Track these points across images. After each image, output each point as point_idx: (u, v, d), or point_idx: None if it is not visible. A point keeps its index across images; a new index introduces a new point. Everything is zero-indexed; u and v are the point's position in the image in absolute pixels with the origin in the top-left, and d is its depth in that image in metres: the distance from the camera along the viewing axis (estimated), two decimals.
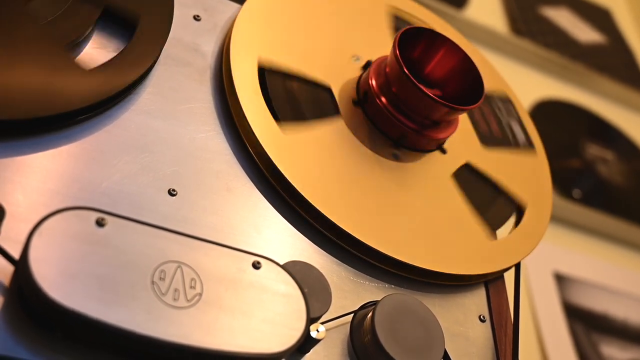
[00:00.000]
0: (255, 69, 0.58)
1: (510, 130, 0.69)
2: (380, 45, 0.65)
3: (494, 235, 0.61)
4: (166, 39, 0.56)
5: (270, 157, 0.54)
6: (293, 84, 0.59)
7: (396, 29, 0.69)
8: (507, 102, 0.71)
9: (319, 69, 0.61)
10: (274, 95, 0.58)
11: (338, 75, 0.62)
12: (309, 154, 0.56)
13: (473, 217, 0.60)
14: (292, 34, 0.63)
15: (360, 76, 0.62)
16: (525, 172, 0.67)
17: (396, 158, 0.60)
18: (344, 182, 0.56)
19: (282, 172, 0.53)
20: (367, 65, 0.63)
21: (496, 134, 0.67)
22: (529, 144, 0.69)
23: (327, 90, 0.60)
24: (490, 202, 0.63)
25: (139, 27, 0.55)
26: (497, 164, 0.65)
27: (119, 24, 0.56)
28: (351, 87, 0.62)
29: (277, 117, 0.56)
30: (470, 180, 0.63)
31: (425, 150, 0.61)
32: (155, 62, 0.55)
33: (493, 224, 0.61)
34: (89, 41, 0.55)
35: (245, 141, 0.55)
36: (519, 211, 0.64)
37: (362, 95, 0.61)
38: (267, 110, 0.56)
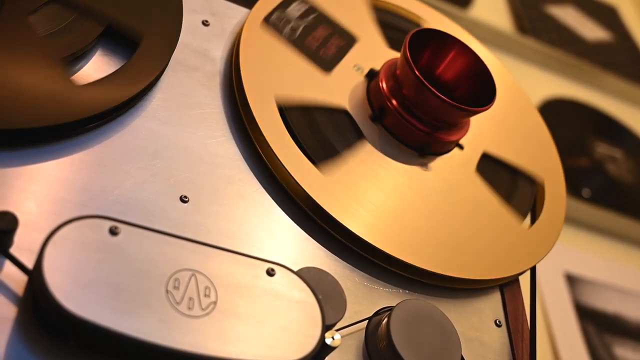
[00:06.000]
0: (265, 72, 0.57)
1: None
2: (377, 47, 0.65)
3: (523, 220, 0.62)
4: (175, 45, 0.55)
5: (282, 162, 0.53)
6: None
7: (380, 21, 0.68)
8: None
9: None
10: None
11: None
12: None
13: (501, 207, 0.61)
14: None
15: (369, 84, 0.62)
16: (539, 169, 0.67)
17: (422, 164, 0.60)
18: (356, 186, 0.56)
19: (294, 177, 0.53)
20: (371, 73, 0.63)
21: None
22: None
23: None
24: (512, 186, 0.64)
25: (145, 39, 0.54)
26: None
27: (123, 41, 0.55)
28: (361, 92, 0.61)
29: (287, 122, 0.56)
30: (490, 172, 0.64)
31: (439, 152, 0.61)
32: (165, 68, 0.54)
33: (521, 209, 0.62)
34: (93, 55, 0.54)
35: (257, 146, 0.54)
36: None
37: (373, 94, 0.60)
38: (278, 114, 0.56)
